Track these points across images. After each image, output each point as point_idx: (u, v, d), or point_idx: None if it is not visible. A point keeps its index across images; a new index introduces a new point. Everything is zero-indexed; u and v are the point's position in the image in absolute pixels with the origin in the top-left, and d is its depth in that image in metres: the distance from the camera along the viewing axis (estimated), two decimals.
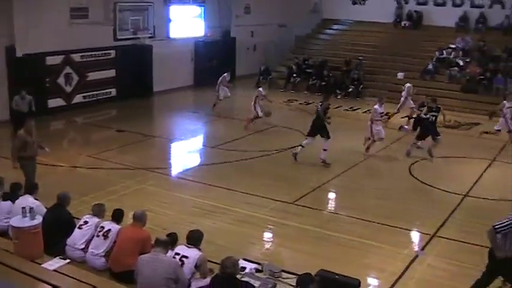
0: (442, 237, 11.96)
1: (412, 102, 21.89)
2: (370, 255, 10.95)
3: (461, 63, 27.86)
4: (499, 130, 19.34)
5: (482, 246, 11.42)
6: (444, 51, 28.71)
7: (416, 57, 29.63)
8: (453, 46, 28.97)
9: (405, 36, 31.50)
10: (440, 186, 15.08)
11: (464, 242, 11.68)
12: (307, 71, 29.64)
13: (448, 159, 17.56)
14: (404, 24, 32.54)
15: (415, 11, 32.37)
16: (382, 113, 18.40)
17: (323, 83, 28.50)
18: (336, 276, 8.30)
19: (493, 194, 14.77)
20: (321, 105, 16.99)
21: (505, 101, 19.66)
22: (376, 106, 17.82)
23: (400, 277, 10.07)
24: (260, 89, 21.43)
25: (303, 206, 13.41)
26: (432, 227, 12.35)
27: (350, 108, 25.54)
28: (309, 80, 29.17)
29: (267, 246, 11.56)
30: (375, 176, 16.38)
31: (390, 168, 16.88)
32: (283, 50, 33.22)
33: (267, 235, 11.95)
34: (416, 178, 15.89)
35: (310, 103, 25.53)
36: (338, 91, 27.92)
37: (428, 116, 17.25)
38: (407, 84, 22.99)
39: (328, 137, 16.63)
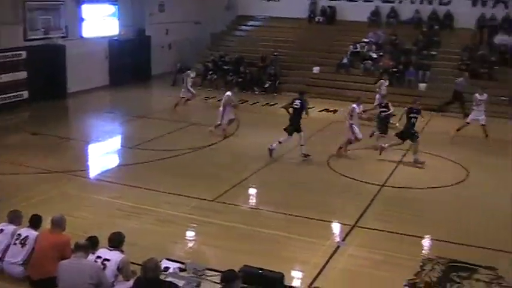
0: (362, 227, 12.24)
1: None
2: (292, 249, 11.08)
3: (374, 56, 28.59)
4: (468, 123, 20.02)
5: (400, 234, 11.84)
6: (358, 45, 29.37)
7: (332, 51, 30.19)
8: (366, 40, 29.68)
9: (320, 32, 32.03)
10: (358, 178, 15.44)
11: (383, 231, 12.02)
12: (223, 67, 29.65)
13: (365, 150, 17.94)
14: (318, 19, 33.05)
15: (328, 7, 32.92)
16: (360, 112, 18.24)
17: (240, 79, 28.59)
18: (260, 271, 8.34)
19: (409, 183, 15.27)
20: (300, 102, 17.09)
21: (476, 94, 20.31)
22: (354, 105, 17.65)
23: (322, 268, 10.23)
24: (228, 93, 19.95)
25: (224, 203, 13.41)
26: (352, 217, 12.62)
27: (267, 103, 25.72)
28: (226, 77, 29.16)
29: (190, 245, 11.51)
30: (295, 170, 16.52)
31: (309, 161, 17.09)
32: (199, 48, 33.09)
33: (190, 234, 11.88)
34: (334, 170, 16.18)
35: None
36: (255, 87, 28.11)
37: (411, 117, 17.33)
38: (381, 81, 23.27)
39: (301, 131, 16.99)
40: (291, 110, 17.26)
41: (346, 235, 11.84)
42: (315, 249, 11.05)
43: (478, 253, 11.13)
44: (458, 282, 9.88)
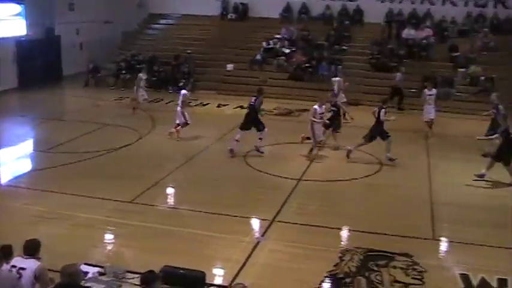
0: (281, 221, 12.36)
1: (343, 96, 22.20)
2: (213, 247, 11.06)
3: (287, 52, 28.93)
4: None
5: (319, 226, 12.03)
6: (271, 42, 29.63)
7: (245, 48, 30.31)
8: (279, 36, 29.99)
9: (232, 28, 32.12)
10: (275, 173, 15.58)
11: (302, 224, 12.19)
12: (137, 67, 29.24)
13: (281, 145, 18.13)
14: (231, 16, 33.15)
15: (240, 3, 33.06)
16: (322, 113, 17.66)
17: (154, 78, 28.28)
18: (181, 271, 8.29)
19: (325, 176, 15.55)
20: (255, 99, 17.30)
21: (425, 90, 20.76)
22: (315, 107, 17.28)
23: (244, 265, 10.27)
24: (184, 91, 19.43)
25: (142, 203, 13.23)
26: (271, 212, 12.72)
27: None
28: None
29: (110, 248, 11.30)
30: (212, 168, 16.49)
31: (226, 159, 17.12)
32: (111, 47, 32.52)
33: (109, 237, 11.67)
34: (251, 167, 16.27)
35: None
36: (169, 86, 27.88)
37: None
38: (337, 78, 23.10)
39: (264, 128, 17.18)
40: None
41: (266, 230, 11.93)
42: (236, 246, 11.08)
43: (394, 241, 11.45)
44: (377, 271, 10.15)
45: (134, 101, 22.95)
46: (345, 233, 12.06)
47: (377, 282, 9.78)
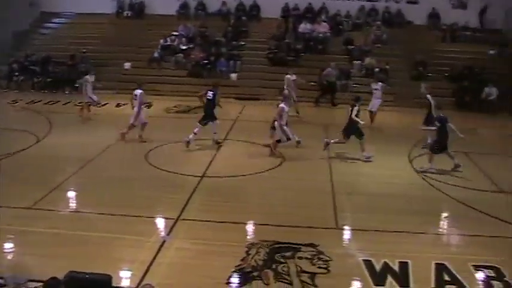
0: (186, 219, 12.30)
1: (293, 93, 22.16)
2: (119, 249, 10.85)
3: (185, 48, 28.79)
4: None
5: (224, 222, 12.06)
6: (168, 39, 29.42)
7: (142, 46, 29.93)
8: (176, 33, 29.83)
9: (129, 26, 31.66)
10: (177, 171, 15.48)
11: (207, 221, 12.16)
12: (31, 68, 28.26)
13: (180, 144, 18.01)
14: (127, 14, 32.66)
15: (136, 1, 32.61)
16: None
17: (49, 80, 27.42)
18: (86, 276, 8.08)
19: (228, 171, 15.59)
20: (214, 94, 17.75)
21: (372, 84, 21.16)
22: (282, 105, 17.07)
23: (150, 265, 10.14)
24: (140, 90, 18.44)
25: (44, 209, 12.77)
26: (175, 210, 12.62)
27: (80, 103, 24.86)
28: (34, 78, 27.81)
29: (10, 257, 10.85)
30: (113, 168, 16.15)
31: (127, 158, 16.87)
32: (1, 48, 31.20)
33: (8, 246, 11.18)
34: (153, 165, 16.10)
35: (37, 102, 24.52)
36: (66, 87, 27.06)
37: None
38: (287, 76, 23.03)
39: (216, 119, 17.83)
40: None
41: (171, 229, 11.83)
42: (141, 247, 10.91)
43: (299, 232, 11.65)
44: (283, 262, 10.29)
45: (87, 105, 21.95)
46: (250, 227, 12.14)
47: (284, 274, 9.91)
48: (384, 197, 14.36)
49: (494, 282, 10.08)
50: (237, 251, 10.61)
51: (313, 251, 10.80)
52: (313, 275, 9.93)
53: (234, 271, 9.92)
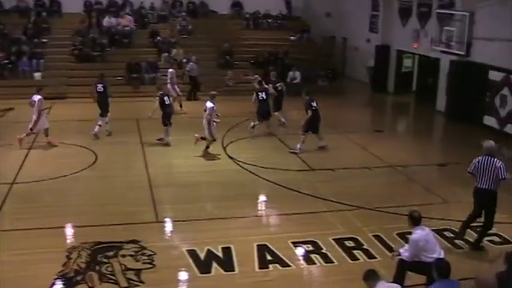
0: (1, 230, 11.59)
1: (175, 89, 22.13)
2: None
3: None
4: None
5: (42, 228, 11.54)
6: None
7: None
8: None
9: None
10: None
11: (23, 230, 11.54)
12: None
13: (6, 147, 17.00)
14: None
15: None
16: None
17: None
18: None
19: (39, 175, 14.87)
20: (103, 85, 18.50)
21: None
22: (209, 103, 16.62)
23: None
24: (38, 96, 17.34)
25: None
26: None
27: None
28: None
29: None
30: None
31: None
32: None
33: None
34: None
35: None
36: None
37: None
38: (170, 70, 22.73)
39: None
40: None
41: None
42: None
43: (120, 230, 11.53)
44: (107, 262, 10.12)
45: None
46: (69, 231, 11.77)
47: (109, 274, 9.76)
48: (201, 185, 14.63)
49: (313, 255, 10.67)
50: (57, 257, 10.25)
51: (136, 247, 10.74)
52: (138, 271, 9.89)
53: (56, 278, 9.57)
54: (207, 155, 16.89)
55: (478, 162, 10.83)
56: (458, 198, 13.75)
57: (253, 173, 15.41)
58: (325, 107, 18.10)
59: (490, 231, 11.24)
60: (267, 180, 14.89)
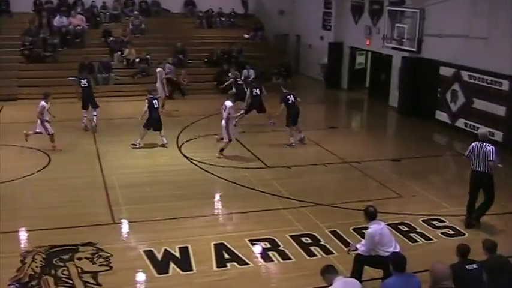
0: None
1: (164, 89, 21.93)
2: None
3: None
4: None
5: None
6: None
7: None
8: None
9: None
10: None
11: None
12: None
13: None
14: None
15: None
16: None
17: None
18: None
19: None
20: (88, 81, 19.28)
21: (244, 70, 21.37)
22: (228, 102, 16.46)
23: None
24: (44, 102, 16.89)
25: None
26: None
27: None
28: None
29: None
30: None
31: None
32: None
33: None
34: None
35: None
36: None
37: None
38: (158, 69, 22.36)
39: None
40: None
41: None
42: None
43: (76, 232, 11.36)
44: (63, 266, 9.97)
45: None
46: (22, 235, 11.55)
47: (65, 278, 9.62)
48: (157, 185, 14.54)
49: (271, 253, 10.72)
50: (11, 262, 10.03)
51: (92, 249, 10.62)
52: (95, 274, 9.78)
53: (10, 284, 9.38)
54: (221, 155, 16.66)
55: (472, 147, 11.79)
56: (413, 192, 14.06)
57: (209, 172, 15.39)
58: (279, 104, 18.15)
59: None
60: (223, 178, 14.90)
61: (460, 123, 20.01)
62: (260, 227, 11.87)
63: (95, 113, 19.20)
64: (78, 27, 28.31)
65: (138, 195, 13.71)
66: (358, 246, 9.10)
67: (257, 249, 10.93)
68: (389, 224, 10.53)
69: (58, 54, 26.82)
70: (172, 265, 10.21)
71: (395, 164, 16.74)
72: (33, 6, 29.67)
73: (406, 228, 11.90)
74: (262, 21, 32.12)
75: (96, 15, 30.06)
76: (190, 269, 10.11)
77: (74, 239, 10.92)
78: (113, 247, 10.73)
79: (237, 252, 10.68)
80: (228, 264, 10.32)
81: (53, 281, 9.53)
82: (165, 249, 10.69)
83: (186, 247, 10.80)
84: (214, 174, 15.21)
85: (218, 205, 13.80)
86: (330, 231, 11.61)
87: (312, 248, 10.97)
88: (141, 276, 9.91)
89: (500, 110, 17.81)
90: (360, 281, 8.21)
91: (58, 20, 28.47)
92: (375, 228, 8.81)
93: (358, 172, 15.85)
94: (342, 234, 11.45)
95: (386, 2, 24.37)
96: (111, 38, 28.18)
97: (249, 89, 20.00)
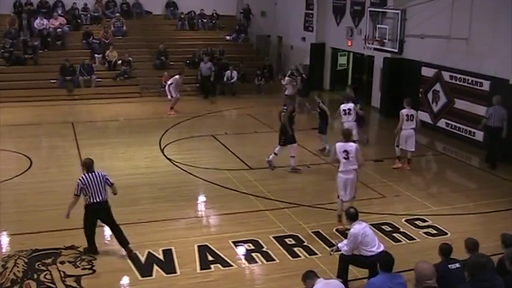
0: None
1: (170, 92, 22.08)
2: None
3: None
4: None
5: None
6: None
7: None
8: None
9: None
10: None
11: None
12: None
13: None
14: None
15: None
16: None
17: None
18: None
19: None
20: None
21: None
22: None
23: None
24: None
25: None
26: None
27: None
28: None
29: None
30: None
31: None
32: None
33: None
34: None
35: None
36: None
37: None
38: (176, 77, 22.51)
39: None
40: None
41: None
42: None
43: (58, 236, 11.27)
44: (45, 270, 9.90)
45: None
46: (4, 239, 11.45)
47: (48, 282, 9.55)
48: (139, 187, 14.47)
49: (254, 254, 10.72)
50: None
51: (75, 253, 10.56)
52: (78, 278, 9.72)
53: None
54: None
55: (491, 108, 16.23)
56: (396, 192, 14.12)
57: (191, 174, 15.36)
58: (261, 105, 18.19)
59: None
60: (206, 180, 14.88)
61: (442, 123, 20.14)
62: (243, 228, 11.87)
63: None
64: (59, 29, 28.14)
65: (121, 198, 13.50)
66: (340, 245, 9.16)
67: (241, 250, 10.92)
68: (372, 224, 10.58)
69: (39, 56, 26.63)
70: (155, 268, 10.17)
71: (378, 165, 16.81)
72: (13, 8, 29.41)
73: (389, 228, 11.96)
74: (244, 23, 32.11)
75: (77, 17, 29.85)
76: (174, 272, 10.08)
77: (56, 243, 10.86)
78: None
79: (221, 254, 10.66)
80: (212, 266, 10.29)
81: (36, 285, 9.46)
82: (149, 252, 10.64)
83: (170, 249, 10.77)
84: (196, 176, 15.17)
85: (201, 207, 13.76)
86: (313, 232, 11.64)
87: (295, 249, 10.99)
88: (124, 279, 9.87)
89: (481, 110, 17.93)
90: (346, 281, 8.23)
91: (39, 22, 28.26)
92: (357, 228, 8.89)
93: None
94: (325, 235, 11.48)
95: (367, 3, 24.47)
96: (92, 40, 28.03)
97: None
